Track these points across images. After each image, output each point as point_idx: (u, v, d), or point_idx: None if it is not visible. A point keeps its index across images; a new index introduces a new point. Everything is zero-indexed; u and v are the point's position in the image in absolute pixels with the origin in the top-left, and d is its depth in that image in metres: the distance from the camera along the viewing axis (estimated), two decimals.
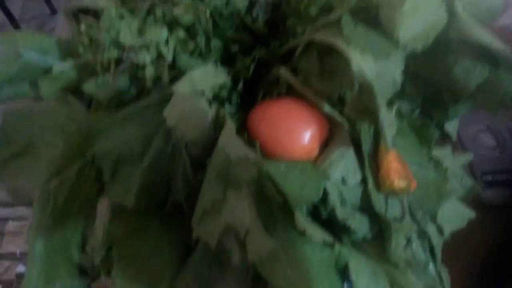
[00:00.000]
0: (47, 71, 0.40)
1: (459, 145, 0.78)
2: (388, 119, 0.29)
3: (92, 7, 0.50)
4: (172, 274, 0.35)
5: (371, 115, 0.30)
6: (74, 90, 0.40)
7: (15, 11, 1.73)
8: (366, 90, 0.29)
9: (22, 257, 1.08)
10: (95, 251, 0.36)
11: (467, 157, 0.44)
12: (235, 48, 0.40)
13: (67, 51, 0.41)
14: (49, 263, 0.30)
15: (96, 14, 0.52)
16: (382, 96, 0.29)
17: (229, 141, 0.30)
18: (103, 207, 0.36)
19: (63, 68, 0.38)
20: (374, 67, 0.29)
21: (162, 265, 0.34)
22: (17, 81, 0.41)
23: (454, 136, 0.44)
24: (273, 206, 0.31)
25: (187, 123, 0.30)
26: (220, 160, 0.29)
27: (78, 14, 0.53)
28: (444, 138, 0.44)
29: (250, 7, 0.40)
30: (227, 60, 0.40)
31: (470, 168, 0.76)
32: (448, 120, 0.40)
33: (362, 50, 0.29)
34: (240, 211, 0.29)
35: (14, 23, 1.65)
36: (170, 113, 0.29)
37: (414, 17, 0.30)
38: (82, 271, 0.48)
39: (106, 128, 0.31)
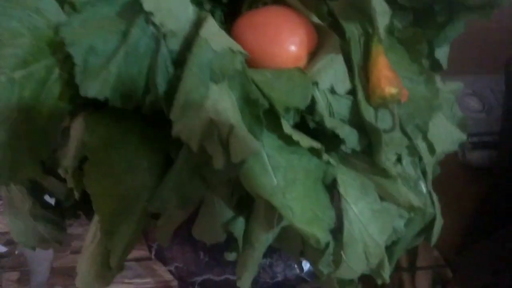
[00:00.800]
0: None
1: None
2: (380, 6, 0.27)
3: None
4: (150, 189, 0.33)
5: (363, 7, 0.28)
6: None
7: None
8: None
9: (1, 237, 1.04)
10: (68, 168, 0.33)
11: (457, 84, 0.42)
12: None
13: None
14: (13, 158, 0.28)
15: None
16: None
17: (212, 32, 0.28)
18: (77, 126, 0.33)
19: None
20: None
21: (140, 179, 0.32)
22: None
23: (444, 65, 0.42)
24: (259, 112, 0.30)
25: (166, 14, 0.27)
26: (201, 51, 0.27)
27: None
28: (434, 67, 0.43)
29: None
30: None
31: None
32: (440, 41, 0.39)
33: None
34: (223, 105, 0.27)
35: None
36: (148, 2, 0.27)
37: None
38: (56, 209, 0.45)
39: (79, 23, 0.28)
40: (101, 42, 0.27)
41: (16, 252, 1.07)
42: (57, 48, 0.29)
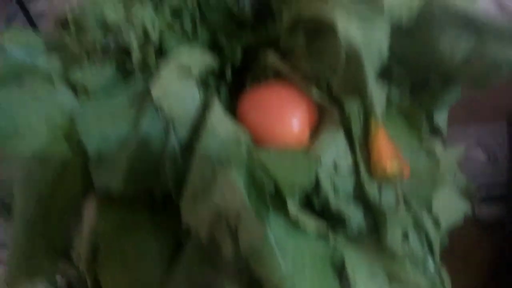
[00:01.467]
0: (33, 67, 0.40)
1: None
2: (377, 90, 0.28)
3: None
4: (161, 274, 0.32)
5: (360, 88, 0.29)
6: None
7: None
8: (353, 58, 0.28)
9: None
10: (81, 254, 0.34)
11: (458, 150, 0.43)
12: (222, 37, 0.39)
13: (53, 45, 0.41)
14: (31, 255, 0.28)
15: None
16: (369, 65, 0.28)
17: (219, 120, 0.29)
18: (90, 211, 0.34)
19: (49, 62, 0.38)
20: (360, 33, 0.29)
21: (151, 264, 0.32)
22: (3, 80, 0.40)
23: (444, 130, 0.43)
24: (265, 194, 0.30)
25: (174, 100, 0.29)
26: (209, 139, 0.28)
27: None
28: (434, 132, 0.43)
29: None
30: (214, 50, 0.40)
31: None
32: (437, 108, 0.40)
33: (347, 17, 0.29)
34: (231, 193, 0.28)
35: None
36: (157, 89, 0.28)
37: None
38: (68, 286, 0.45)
39: (92, 111, 0.30)
40: (113, 130, 0.29)
41: None
42: (72, 136, 0.30)
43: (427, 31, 0.33)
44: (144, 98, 0.30)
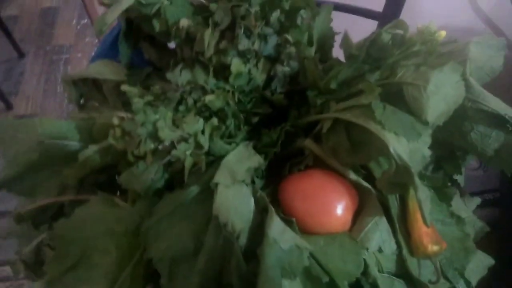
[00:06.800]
0: (68, 155, 0.40)
1: None
2: (424, 194, 0.31)
3: (92, 77, 0.51)
4: None
5: (403, 188, 0.32)
6: (98, 172, 0.41)
7: None
8: (403, 169, 0.31)
9: None
10: None
11: (475, 201, 0.47)
12: (255, 119, 0.41)
13: (86, 133, 0.41)
14: None
15: (95, 82, 0.52)
16: (415, 169, 0.31)
17: (278, 230, 0.30)
18: None
19: (87, 154, 0.39)
20: (407, 148, 0.31)
21: None
22: (38, 169, 0.41)
23: (462, 183, 0.47)
24: (322, 285, 0.32)
25: (235, 214, 0.30)
26: (271, 251, 0.30)
27: (78, 82, 0.53)
28: (454, 185, 0.47)
29: (269, 81, 0.41)
30: (249, 131, 0.41)
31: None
32: (459, 172, 0.43)
33: (396, 133, 0.31)
34: None
35: None
36: (220, 209, 0.30)
37: (438, 96, 0.32)
38: None
39: (155, 227, 0.31)
40: (181, 251, 0.30)
41: None
42: (137, 252, 0.31)
43: (459, 124, 0.35)
44: (201, 206, 0.32)
